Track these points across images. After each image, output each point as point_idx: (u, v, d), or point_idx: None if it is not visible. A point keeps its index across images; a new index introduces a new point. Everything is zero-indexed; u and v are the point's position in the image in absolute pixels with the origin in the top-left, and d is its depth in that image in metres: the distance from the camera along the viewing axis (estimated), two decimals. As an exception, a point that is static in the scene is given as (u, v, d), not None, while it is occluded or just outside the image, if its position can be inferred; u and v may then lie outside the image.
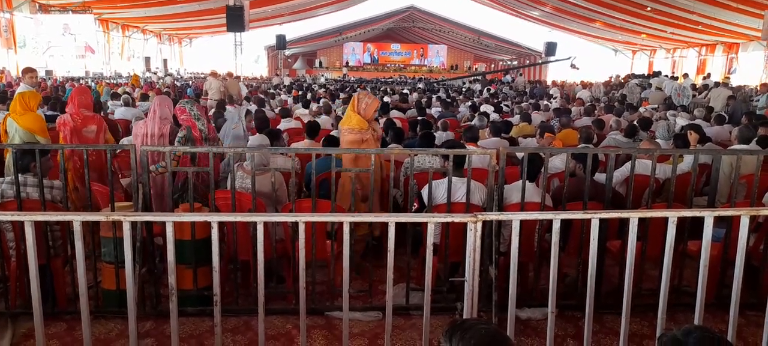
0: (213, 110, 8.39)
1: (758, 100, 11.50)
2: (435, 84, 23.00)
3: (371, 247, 3.73)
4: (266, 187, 3.89)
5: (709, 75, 18.73)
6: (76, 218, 2.58)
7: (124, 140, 6.22)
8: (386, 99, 12.10)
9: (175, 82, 19.14)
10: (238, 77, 18.17)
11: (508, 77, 25.55)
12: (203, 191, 4.18)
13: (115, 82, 18.38)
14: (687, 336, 1.44)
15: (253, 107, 9.53)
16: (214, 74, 14.30)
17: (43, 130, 5.00)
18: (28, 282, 2.60)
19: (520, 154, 4.94)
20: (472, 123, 7.78)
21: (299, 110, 9.67)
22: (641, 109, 10.80)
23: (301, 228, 2.65)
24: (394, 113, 9.15)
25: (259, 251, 2.65)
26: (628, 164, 4.36)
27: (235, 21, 18.58)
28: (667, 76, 17.83)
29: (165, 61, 29.51)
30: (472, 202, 3.52)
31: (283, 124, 7.60)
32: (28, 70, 6.13)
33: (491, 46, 36.80)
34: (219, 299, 2.70)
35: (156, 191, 4.22)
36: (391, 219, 2.66)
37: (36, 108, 5.14)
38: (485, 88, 18.87)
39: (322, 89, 18.07)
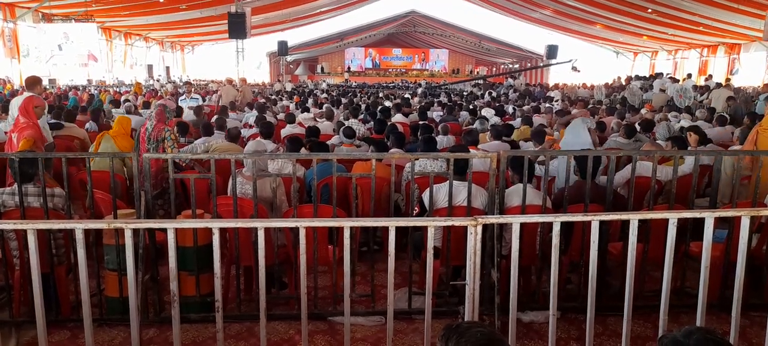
0: (215, 118, 8.41)
1: (757, 102, 11.41)
2: (436, 88, 22.99)
3: (372, 251, 3.74)
4: (266, 192, 3.91)
5: (710, 76, 18.66)
6: (78, 226, 2.59)
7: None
8: (387, 103, 12.13)
9: (178, 89, 19.17)
10: (249, 85, 18.61)
11: (510, 80, 25.52)
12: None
13: (118, 90, 18.44)
14: (688, 338, 1.41)
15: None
16: (229, 81, 15.30)
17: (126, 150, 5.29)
18: (32, 290, 2.61)
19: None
20: (473, 127, 7.78)
21: (301, 116, 9.68)
22: (643, 111, 10.78)
23: (303, 233, 2.65)
24: (397, 118, 9.17)
25: (261, 256, 2.66)
26: (629, 166, 4.36)
27: (237, 28, 18.61)
28: (669, 76, 17.77)
29: (168, 69, 29.60)
30: (473, 205, 3.53)
31: (287, 130, 7.63)
32: (36, 81, 5.95)
33: (492, 50, 36.77)
34: (221, 305, 2.70)
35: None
36: (392, 223, 2.67)
37: (129, 131, 5.73)
38: (486, 92, 18.85)
39: (324, 95, 18.09)
